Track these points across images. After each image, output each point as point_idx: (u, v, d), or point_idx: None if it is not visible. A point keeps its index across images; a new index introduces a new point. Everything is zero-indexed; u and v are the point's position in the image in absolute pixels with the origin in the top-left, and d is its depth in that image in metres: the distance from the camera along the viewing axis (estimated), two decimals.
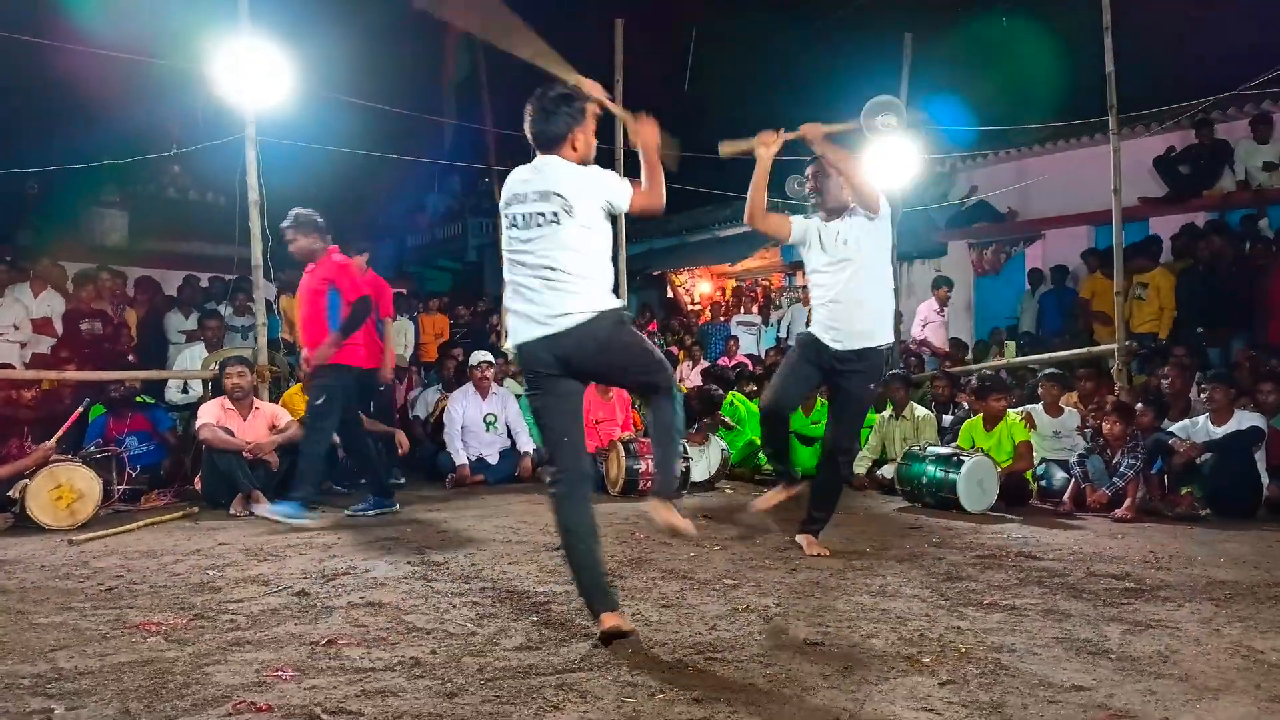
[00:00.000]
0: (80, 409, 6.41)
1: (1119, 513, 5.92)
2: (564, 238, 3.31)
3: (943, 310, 11.41)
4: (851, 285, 4.56)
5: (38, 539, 5.17)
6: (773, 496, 4.78)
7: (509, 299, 3.44)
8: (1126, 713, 2.50)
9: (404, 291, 15.29)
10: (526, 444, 7.76)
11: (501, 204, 3.48)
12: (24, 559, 4.60)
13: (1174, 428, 6.46)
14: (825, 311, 4.67)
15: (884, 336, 4.66)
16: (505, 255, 3.46)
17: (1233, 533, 5.36)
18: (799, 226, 4.72)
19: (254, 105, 7.11)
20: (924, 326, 11.32)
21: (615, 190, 3.40)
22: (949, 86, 12.28)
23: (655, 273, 18.11)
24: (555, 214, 3.31)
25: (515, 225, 3.39)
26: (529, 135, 3.46)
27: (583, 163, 3.44)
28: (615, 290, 3.44)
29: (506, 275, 3.44)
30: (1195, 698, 2.62)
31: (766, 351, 12.39)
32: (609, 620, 3.14)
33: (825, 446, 4.84)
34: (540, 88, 3.45)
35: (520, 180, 3.42)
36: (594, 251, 3.36)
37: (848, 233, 4.58)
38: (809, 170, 4.75)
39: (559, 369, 3.33)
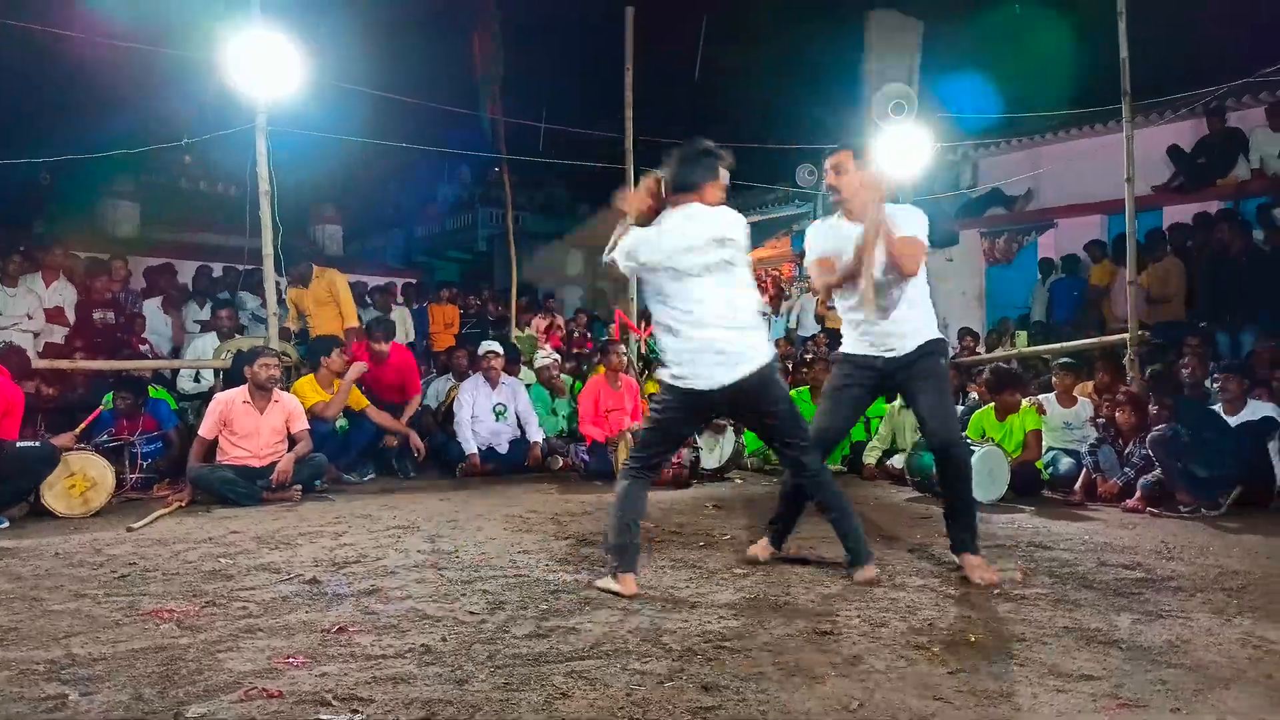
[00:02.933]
0: (100, 406, 6.45)
1: (1130, 503, 5.90)
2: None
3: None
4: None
5: (51, 526, 5.23)
6: (759, 549, 4.35)
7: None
8: (1136, 702, 2.50)
9: (413, 281, 15.29)
10: (536, 434, 7.69)
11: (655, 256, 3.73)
12: (38, 546, 4.64)
13: None
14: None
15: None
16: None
17: (1245, 524, 5.34)
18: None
19: (265, 95, 7.12)
20: None
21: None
22: (961, 74, 12.21)
23: None
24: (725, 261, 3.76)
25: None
26: (670, 183, 3.75)
27: None
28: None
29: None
30: (1206, 687, 2.61)
31: (776, 341, 12.37)
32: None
33: (932, 449, 4.24)
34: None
35: (674, 230, 3.69)
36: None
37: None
38: (828, 162, 4.08)
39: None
